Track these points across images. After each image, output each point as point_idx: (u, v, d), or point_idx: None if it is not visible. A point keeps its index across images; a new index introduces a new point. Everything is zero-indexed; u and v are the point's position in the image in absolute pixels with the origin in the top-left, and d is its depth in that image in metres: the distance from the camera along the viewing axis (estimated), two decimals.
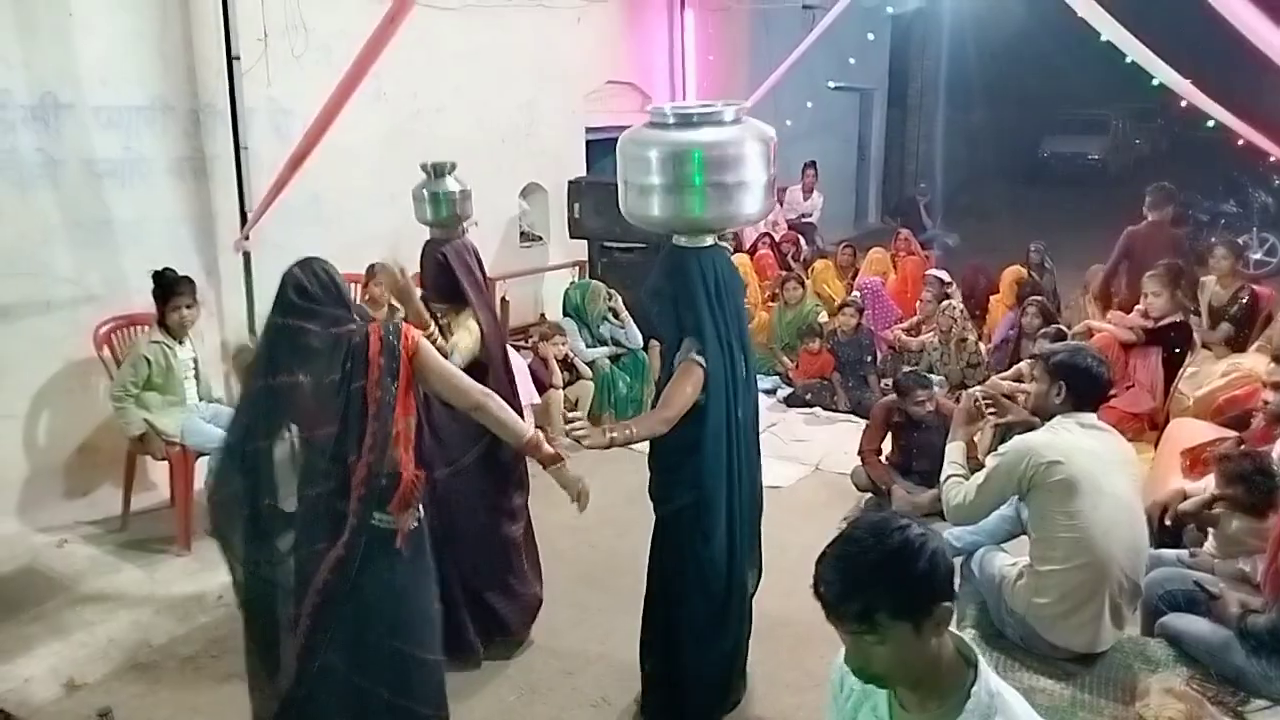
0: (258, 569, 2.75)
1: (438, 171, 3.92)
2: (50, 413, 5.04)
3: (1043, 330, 6.36)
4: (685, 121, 3.10)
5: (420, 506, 2.81)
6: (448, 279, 3.77)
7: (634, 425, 3.13)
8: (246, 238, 5.56)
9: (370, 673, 2.79)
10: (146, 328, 4.92)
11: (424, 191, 3.89)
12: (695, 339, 3.17)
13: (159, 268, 4.85)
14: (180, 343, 4.87)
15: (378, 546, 2.71)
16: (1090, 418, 3.15)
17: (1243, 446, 4.02)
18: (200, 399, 4.99)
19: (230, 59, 5.42)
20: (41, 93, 4.85)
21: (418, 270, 3.89)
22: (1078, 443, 3.06)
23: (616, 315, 7.02)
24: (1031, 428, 3.31)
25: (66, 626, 4.10)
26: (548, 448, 2.96)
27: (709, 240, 3.26)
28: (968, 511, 3.23)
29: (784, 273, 8.49)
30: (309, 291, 2.65)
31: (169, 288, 4.79)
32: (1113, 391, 5.56)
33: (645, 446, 3.28)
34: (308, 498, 2.67)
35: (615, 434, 3.01)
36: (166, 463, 4.82)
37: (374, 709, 2.81)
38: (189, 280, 4.87)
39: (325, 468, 2.65)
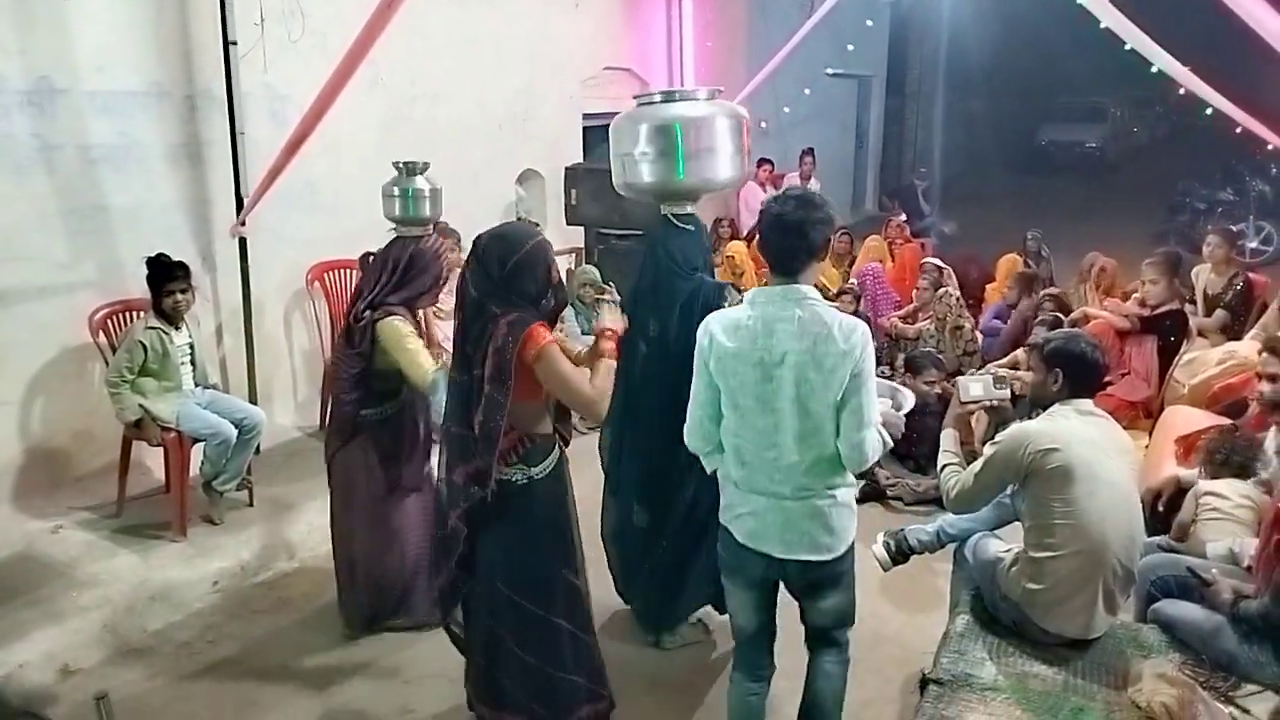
0: None
1: (409, 170, 3.88)
2: (45, 399, 5.03)
3: (1040, 319, 6.35)
4: (668, 99, 3.69)
5: (529, 468, 2.98)
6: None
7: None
8: (243, 223, 5.54)
9: (495, 614, 3.09)
10: (142, 313, 4.90)
11: (394, 189, 3.87)
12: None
13: (154, 253, 4.84)
14: (176, 328, 4.85)
15: (500, 496, 2.95)
16: (1088, 404, 3.14)
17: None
18: (196, 384, 4.97)
19: (226, 44, 5.38)
20: (37, 78, 4.82)
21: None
22: (1075, 430, 3.05)
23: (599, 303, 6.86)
24: (1007, 423, 3.33)
25: (61, 612, 4.09)
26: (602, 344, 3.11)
27: (689, 208, 3.72)
28: (966, 499, 3.24)
29: None
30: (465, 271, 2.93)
31: (164, 273, 4.77)
32: (1108, 379, 5.60)
33: None
34: None
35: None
36: (162, 448, 4.82)
37: (503, 653, 3.12)
38: (184, 266, 4.84)
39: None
